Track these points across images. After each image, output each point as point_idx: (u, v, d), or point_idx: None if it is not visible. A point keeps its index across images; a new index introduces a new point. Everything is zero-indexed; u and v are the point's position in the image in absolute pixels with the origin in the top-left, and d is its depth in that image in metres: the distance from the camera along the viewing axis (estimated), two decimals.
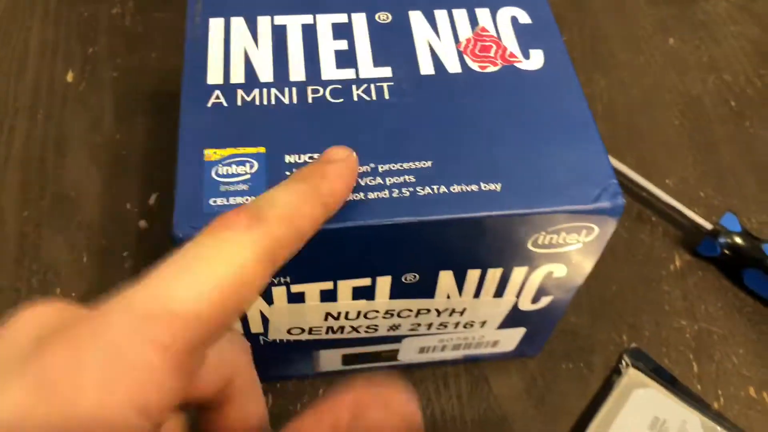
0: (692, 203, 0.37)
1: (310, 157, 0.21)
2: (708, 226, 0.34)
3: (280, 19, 0.24)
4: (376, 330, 0.25)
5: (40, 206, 0.35)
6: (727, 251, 0.34)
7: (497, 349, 0.29)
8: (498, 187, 0.21)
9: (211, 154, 0.21)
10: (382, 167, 0.21)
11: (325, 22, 0.24)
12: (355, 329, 0.25)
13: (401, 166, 0.21)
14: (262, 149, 0.21)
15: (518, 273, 0.23)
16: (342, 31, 0.24)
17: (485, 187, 0.21)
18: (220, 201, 0.20)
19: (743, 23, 0.47)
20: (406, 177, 0.21)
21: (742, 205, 0.38)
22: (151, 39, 0.42)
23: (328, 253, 0.21)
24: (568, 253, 0.22)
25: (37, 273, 0.32)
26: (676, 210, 0.35)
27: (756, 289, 0.34)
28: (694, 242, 0.35)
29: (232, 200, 0.20)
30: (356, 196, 0.20)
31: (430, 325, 0.26)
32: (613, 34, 0.45)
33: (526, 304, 0.25)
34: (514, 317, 0.26)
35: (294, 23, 0.24)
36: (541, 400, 0.30)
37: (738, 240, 0.33)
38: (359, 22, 0.25)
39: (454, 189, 0.21)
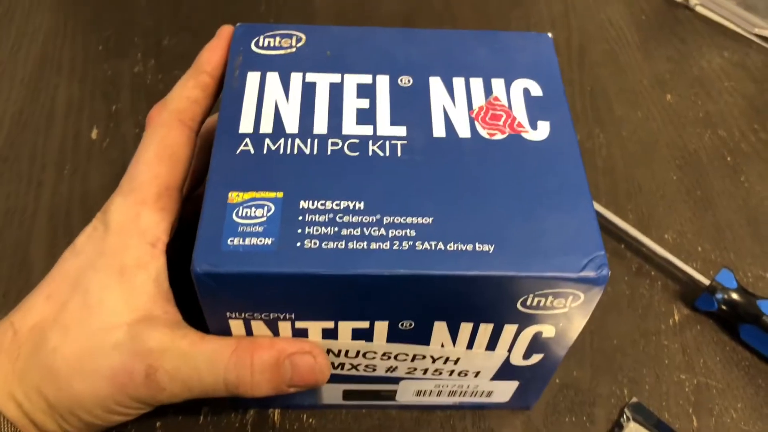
0: (690, 258, 0.38)
1: (322, 204, 0.23)
2: (705, 281, 0.35)
3: (311, 77, 0.27)
4: (374, 370, 0.27)
5: None
6: (724, 307, 0.34)
7: (492, 399, 0.30)
8: (491, 248, 0.22)
9: (234, 196, 0.23)
10: (387, 219, 0.23)
11: (351, 82, 0.27)
12: (354, 367, 0.27)
13: (404, 219, 0.23)
14: (280, 194, 0.23)
15: (509, 330, 0.24)
16: (366, 91, 0.27)
17: (479, 247, 0.22)
18: (237, 241, 0.22)
19: (737, 79, 0.48)
20: (408, 231, 0.23)
21: (738, 259, 0.38)
22: None
23: (330, 296, 0.23)
24: (556, 315, 0.24)
25: None
26: (675, 265, 0.36)
27: (752, 343, 0.34)
28: (693, 296, 0.36)
29: (247, 240, 0.22)
30: (360, 245, 0.22)
31: (425, 371, 0.27)
32: (612, 90, 0.47)
33: (517, 360, 0.26)
34: (507, 370, 0.27)
35: (323, 81, 0.27)
36: None
37: (734, 296, 0.34)
38: (382, 83, 0.27)
39: (450, 247, 0.22)
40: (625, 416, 0.32)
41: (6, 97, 0.44)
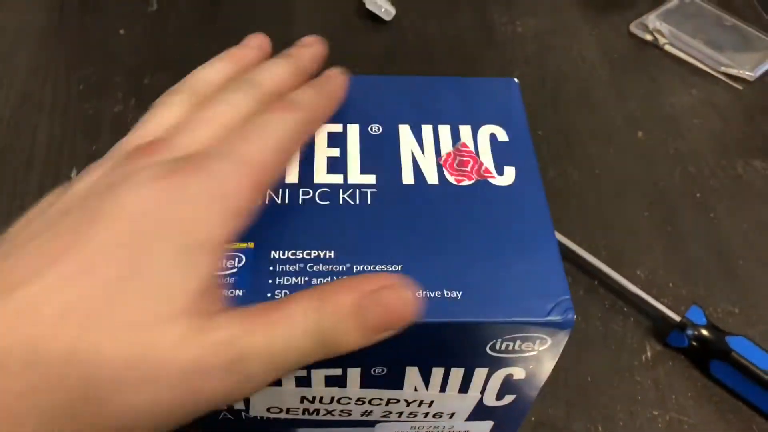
0: (661, 293, 0.39)
1: (293, 254, 0.24)
2: (676, 318, 0.36)
3: None
4: (349, 414, 0.27)
5: None
6: (694, 343, 0.35)
7: None
8: (459, 295, 0.23)
9: None
10: (356, 267, 0.23)
11: (322, 131, 0.27)
12: (329, 412, 0.27)
13: (374, 267, 0.23)
14: (251, 245, 0.24)
15: (480, 373, 0.25)
16: (336, 140, 0.27)
17: (447, 294, 0.23)
18: None
19: (705, 116, 0.49)
20: None
21: (708, 294, 0.39)
22: None
23: None
24: (526, 358, 0.24)
25: None
26: (646, 302, 0.37)
27: (722, 379, 0.35)
28: (664, 333, 0.37)
29: None
30: None
31: (400, 413, 0.27)
32: (585, 128, 0.48)
33: (490, 401, 0.27)
34: (481, 411, 0.27)
35: None
36: None
37: (704, 332, 0.35)
38: (353, 132, 0.27)
39: (418, 294, 0.23)
40: None
41: None
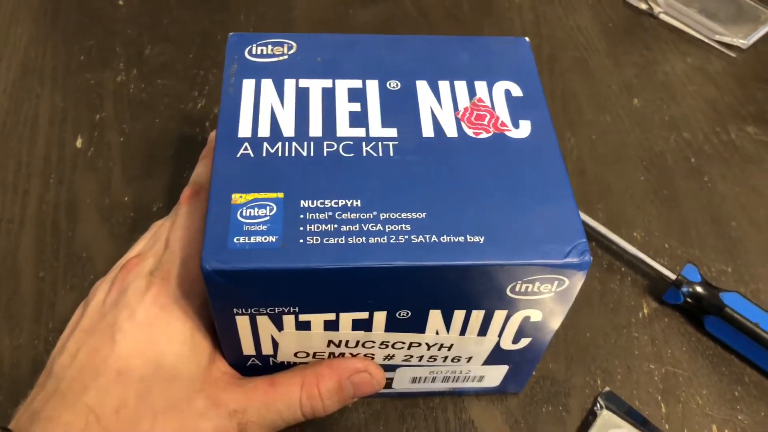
0: (657, 254, 0.40)
1: (322, 203, 0.25)
2: (672, 276, 0.37)
3: (303, 83, 0.28)
4: (372, 358, 0.28)
5: (55, 267, 0.37)
6: (689, 299, 0.37)
7: (483, 384, 0.31)
8: (481, 239, 0.24)
9: (237, 198, 0.24)
10: (383, 215, 0.24)
11: (342, 87, 0.28)
12: (354, 356, 0.28)
13: (399, 215, 0.24)
14: (281, 195, 0.25)
15: (499, 315, 0.26)
16: (356, 95, 0.28)
17: (470, 239, 0.24)
18: (243, 239, 0.23)
19: (699, 83, 0.51)
20: (403, 225, 0.24)
21: (702, 254, 0.41)
22: (153, 105, 0.45)
23: (332, 289, 0.24)
24: (543, 300, 0.25)
25: (54, 331, 0.34)
26: (643, 261, 0.38)
27: (716, 334, 0.37)
28: (660, 291, 0.38)
29: (252, 239, 0.23)
30: (359, 240, 0.24)
31: (421, 357, 0.28)
32: (583, 95, 0.49)
33: (507, 344, 0.28)
34: (498, 355, 0.29)
35: (316, 86, 0.28)
36: None
37: (698, 289, 0.36)
38: (372, 88, 0.28)
39: (443, 239, 0.24)
40: (598, 405, 0.33)
41: None
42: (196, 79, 0.47)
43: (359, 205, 0.25)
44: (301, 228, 0.24)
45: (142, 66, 0.48)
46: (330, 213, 0.24)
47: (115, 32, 0.50)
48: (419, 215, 0.24)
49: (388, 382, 0.30)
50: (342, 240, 0.24)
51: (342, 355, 0.28)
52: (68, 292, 0.36)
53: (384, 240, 0.24)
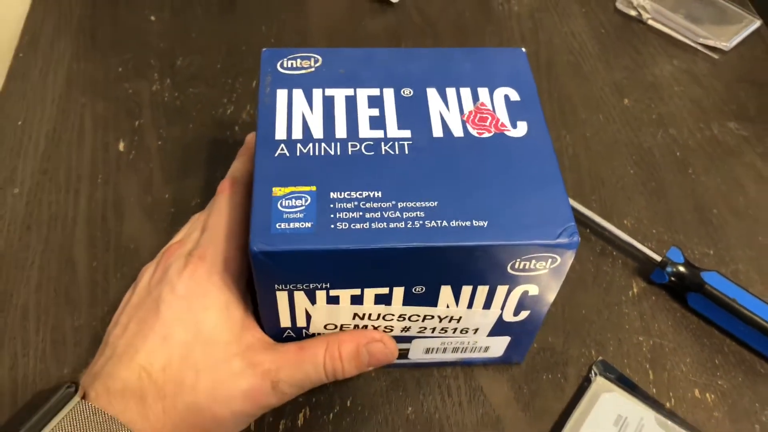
0: (645, 239, 0.44)
1: (348, 194, 0.29)
2: (658, 258, 0.41)
3: (329, 91, 0.33)
4: (391, 330, 0.32)
5: (106, 257, 0.41)
6: (673, 279, 0.41)
7: (488, 354, 0.36)
8: (485, 223, 0.28)
9: (277, 191, 0.29)
10: (401, 204, 0.29)
11: (362, 95, 0.33)
12: (375, 329, 0.32)
13: (414, 204, 0.29)
14: (314, 188, 0.29)
15: (501, 290, 0.30)
16: (375, 102, 0.32)
17: (476, 223, 0.28)
18: (283, 225, 0.28)
19: (686, 84, 0.55)
20: (418, 213, 0.28)
21: (686, 239, 0.45)
22: (187, 112, 0.50)
23: (357, 267, 0.28)
24: (539, 276, 0.30)
25: (108, 313, 0.38)
26: (632, 246, 0.42)
27: (698, 309, 0.41)
28: (648, 272, 0.42)
29: (291, 225, 0.28)
30: (381, 225, 0.28)
31: (434, 329, 0.33)
32: (577, 97, 0.53)
33: (509, 316, 0.32)
34: (501, 327, 0.33)
35: (340, 95, 0.33)
36: (527, 404, 0.37)
37: (681, 269, 0.40)
38: (388, 95, 0.33)
39: (452, 224, 0.28)
40: (593, 372, 0.37)
41: (40, 117, 0.48)
42: (224, 87, 0.51)
43: (380, 195, 0.29)
44: (332, 215, 0.28)
45: (174, 76, 0.52)
46: (356, 203, 0.29)
47: (149, 45, 0.54)
48: (431, 203, 0.29)
49: (405, 353, 0.35)
50: (366, 225, 0.28)
51: (365, 327, 0.32)
52: (119, 280, 0.40)
53: (402, 225, 0.28)
